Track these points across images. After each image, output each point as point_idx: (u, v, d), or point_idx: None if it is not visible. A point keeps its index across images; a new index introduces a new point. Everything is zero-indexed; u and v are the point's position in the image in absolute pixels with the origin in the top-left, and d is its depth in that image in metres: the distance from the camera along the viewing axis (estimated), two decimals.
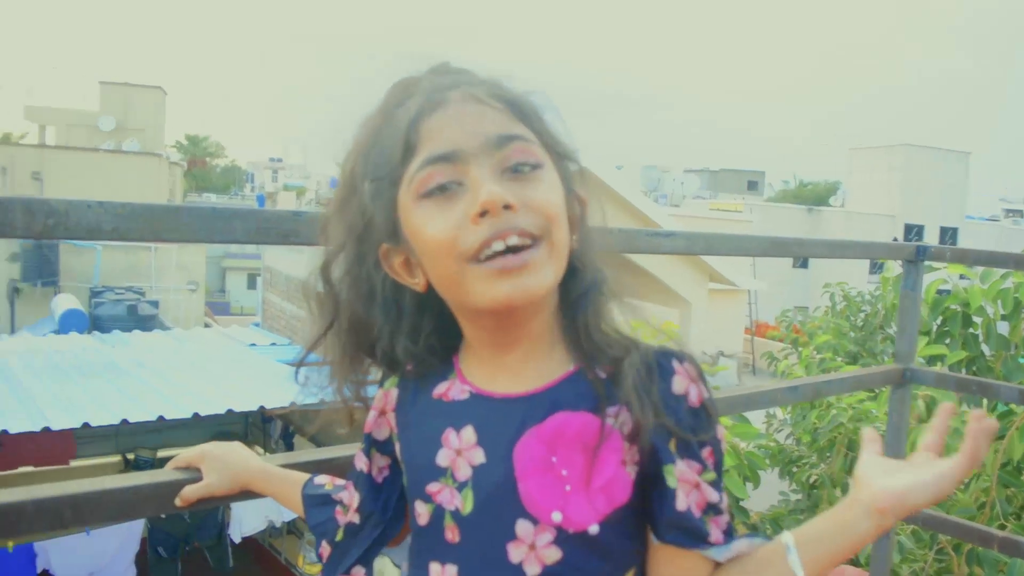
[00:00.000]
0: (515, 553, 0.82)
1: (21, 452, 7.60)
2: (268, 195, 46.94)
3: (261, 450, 8.04)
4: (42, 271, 18.87)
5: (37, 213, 0.93)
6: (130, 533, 6.19)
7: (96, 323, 14.31)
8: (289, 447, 7.85)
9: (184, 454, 1.11)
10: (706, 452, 0.84)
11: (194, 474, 1.09)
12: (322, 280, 0.92)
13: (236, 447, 1.12)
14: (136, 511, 1.04)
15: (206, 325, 16.22)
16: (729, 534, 0.85)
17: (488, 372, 0.89)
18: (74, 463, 8.57)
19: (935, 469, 0.80)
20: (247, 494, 1.11)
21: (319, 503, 1.04)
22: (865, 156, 32.16)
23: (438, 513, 0.87)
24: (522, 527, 0.82)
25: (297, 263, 12.10)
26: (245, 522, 6.53)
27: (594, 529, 0.81)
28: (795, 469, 4.50)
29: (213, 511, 6.78)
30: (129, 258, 20.80)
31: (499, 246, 0.79)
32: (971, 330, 3.39)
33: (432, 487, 0.87)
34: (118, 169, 32.49)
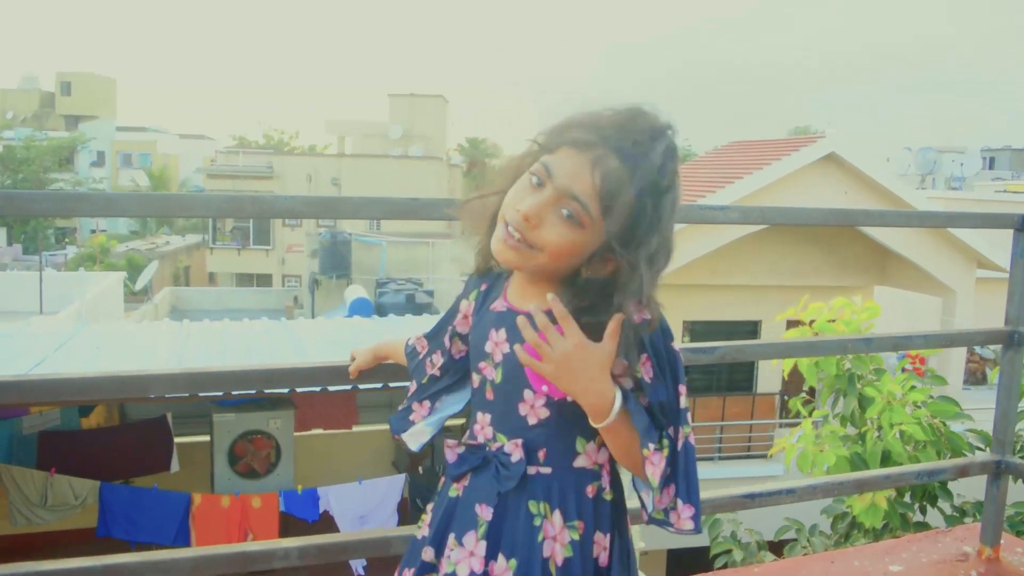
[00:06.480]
0: (522, 409, 1.31)
1: (313, 416, 9.07)
2: None
3: None
4: (336, 265, 21.35)
5: (258, 202, 1.62)
6: (393, 485, 7.25)
7: (380, 310, 16.10)
8: None
9: (353, 350, 1.77)
10: (643, 358, 1.27)
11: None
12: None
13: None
14: (314, 381, 1.71)
15: None
16: (645, 412, 1.27)
17: (519, 296, 1.37)
18: (356, 428, 10.00)
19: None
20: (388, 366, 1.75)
21: (412, 356, 1.60)
22: None
23: (483, 381, 1.37)
24: (527, 394, 1.31)
25: None
26: None
27: (570, 398, 1.26)
28: None
29: None
30: (410, 252, 22.88)
31: (513, 231, 1.28)
32: None
33: (481, 364, 1.37)
34: (404, 173, 35.79)
